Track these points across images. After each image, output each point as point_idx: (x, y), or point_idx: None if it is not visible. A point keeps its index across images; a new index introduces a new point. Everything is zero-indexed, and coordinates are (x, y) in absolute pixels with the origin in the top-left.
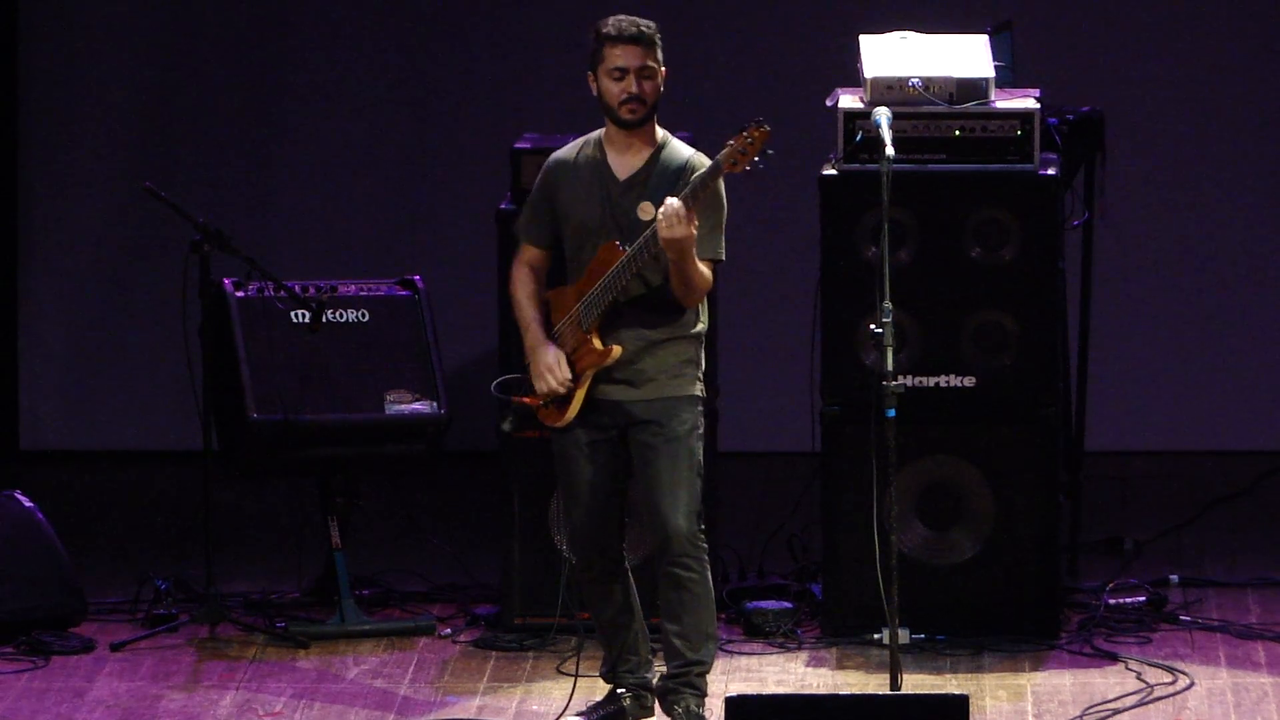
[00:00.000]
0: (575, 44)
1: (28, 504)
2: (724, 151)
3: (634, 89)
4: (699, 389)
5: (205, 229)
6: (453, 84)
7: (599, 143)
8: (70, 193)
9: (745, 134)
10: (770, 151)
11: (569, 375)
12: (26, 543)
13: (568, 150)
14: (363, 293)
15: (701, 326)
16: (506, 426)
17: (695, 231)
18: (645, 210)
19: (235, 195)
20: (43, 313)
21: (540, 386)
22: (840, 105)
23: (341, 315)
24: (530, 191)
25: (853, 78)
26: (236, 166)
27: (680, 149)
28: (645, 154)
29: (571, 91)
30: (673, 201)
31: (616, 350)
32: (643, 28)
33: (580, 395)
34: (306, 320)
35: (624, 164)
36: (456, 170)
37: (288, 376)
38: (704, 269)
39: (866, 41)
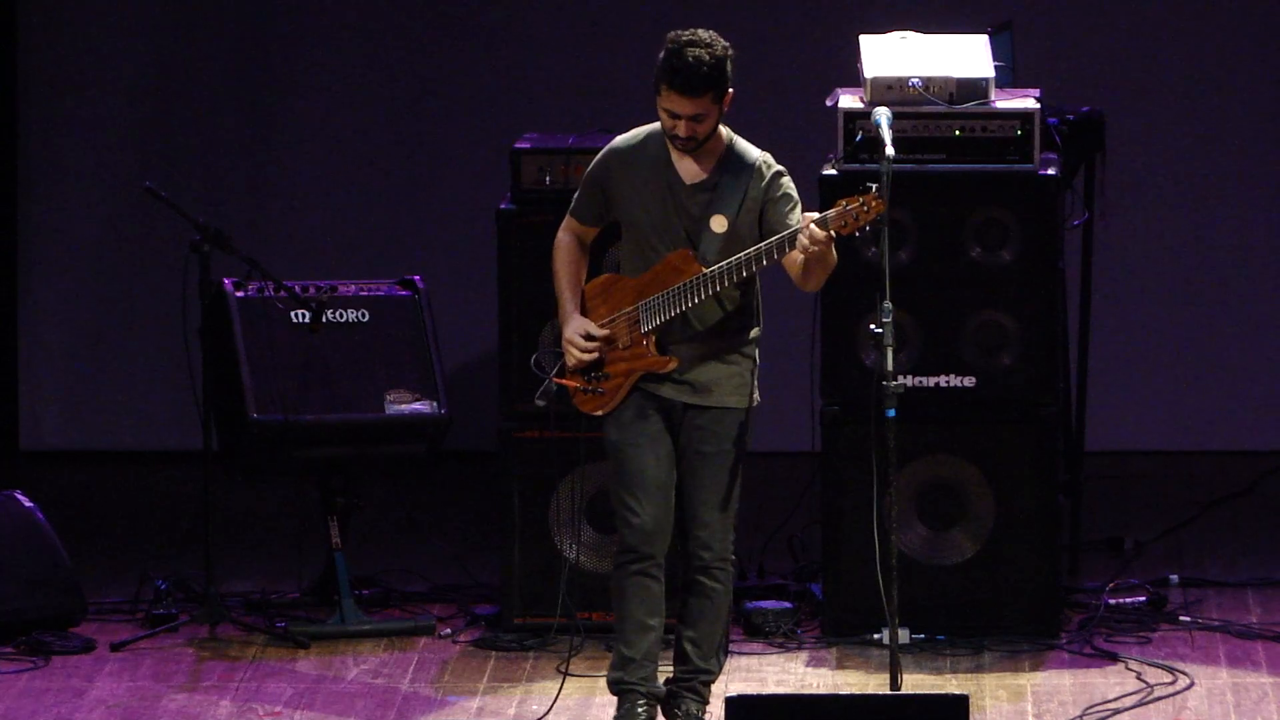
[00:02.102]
0: (575, 44)
1: (28, 504)
2: (833, 211)
3: (684, 133)
4: (756, 397)
5: (205, 229)
6: (453, 84)
7: (663, 140)
8: (70, 193)
9: (861, 201)
10: (883, 226)
11: (595, 343)
12: (26, 543)
13: (628, 141)
14: (363, 293)
15: (757, 330)
16: (541, 401)
17: (831, 238)
18: (718, 223)
19: (235, 195)
20: (43, 313)
21: (568, 360)
22: (840, 105)
23: (341, 315)
24: (585, 178)
25: (853, 78)
26: (236, 166)
27: (747, 151)
28: (712, 159)
29: (571, 91)
30: (816, 234)
31: (674, 362)
32: (701, 75)
33: (624, 391)
34: (306, 320)
35: (690, 168)
36: (456, 170)
37: (288, 376)
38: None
39: (866, 41)
